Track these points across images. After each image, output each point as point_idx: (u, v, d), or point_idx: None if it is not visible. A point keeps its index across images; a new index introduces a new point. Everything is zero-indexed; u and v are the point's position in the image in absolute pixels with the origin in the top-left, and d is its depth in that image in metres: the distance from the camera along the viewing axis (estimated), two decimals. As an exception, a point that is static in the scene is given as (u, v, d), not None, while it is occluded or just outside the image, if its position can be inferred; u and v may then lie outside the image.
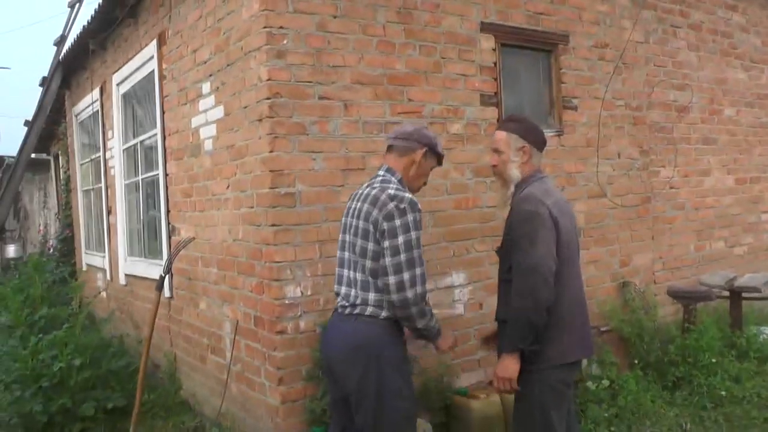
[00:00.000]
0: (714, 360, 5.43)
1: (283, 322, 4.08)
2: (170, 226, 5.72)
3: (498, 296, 3.42)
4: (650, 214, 6.24)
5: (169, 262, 5.01)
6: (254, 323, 4.35)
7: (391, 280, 3.00)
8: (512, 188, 3.34)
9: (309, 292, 4.17)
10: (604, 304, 5.71)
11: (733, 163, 7.17)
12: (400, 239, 3.01)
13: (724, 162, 7.08)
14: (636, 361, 5.49)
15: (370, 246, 3.07)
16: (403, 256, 3.00)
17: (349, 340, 3.09)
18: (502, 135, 3.37)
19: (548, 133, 5.40)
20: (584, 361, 4.95)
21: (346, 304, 3.17)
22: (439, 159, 3.40)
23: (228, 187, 4.63)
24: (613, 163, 5.91)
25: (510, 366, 3.16)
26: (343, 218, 3.31)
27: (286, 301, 4.09)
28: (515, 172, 3.32)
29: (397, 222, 3.02)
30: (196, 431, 5.07)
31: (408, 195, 3.10)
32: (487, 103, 5.05)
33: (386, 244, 3.02)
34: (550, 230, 3.15)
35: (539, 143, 3.39)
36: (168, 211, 5.76)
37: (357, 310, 3.10)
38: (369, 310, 3.08)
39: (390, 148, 3.32)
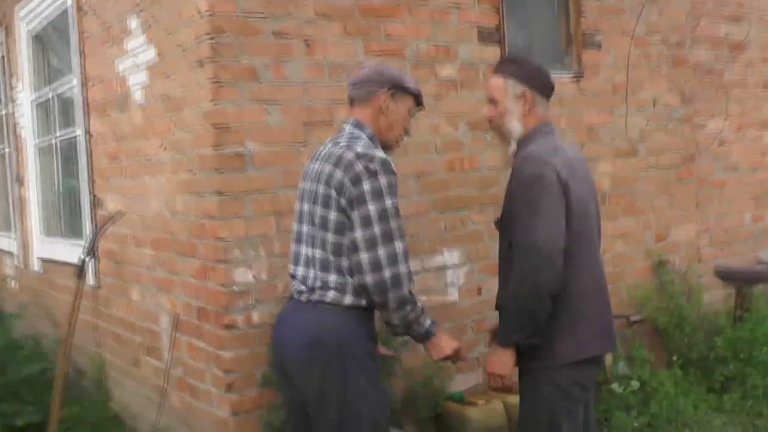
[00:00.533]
0: (773, 356, 5.58)
1: (231, 314, 4.18)
2: (94, 197, 5.80)
3: (499, 279, 3.50)
4: (694, 176, 6.36)
5: (93, 242, 5.10)
6: (197, 316, 4.46)
7: (364, 257, 3.05)
8: (514, 145, 3.39)
9: (264, 277, 4.26)
10: (635, 288, 5.84)
11: (801, 112, 7.29)
12: (372, 207, 3.07)
13: (790, 111, 7.19)
14: (675, 358, 5.65)
15: (332, 215, 3.13)
16: (377, 228, 3.06)
17: (307, 334, 3.16)
18: (497, 81, 3.43)
19: (564, 77, 5.50)
20: (608, 359, 5.09)
21: (304, 288, 3.25)
22: (416, 98, 3.42)
23: (163, 147, 4.71)
24: (647, 114, 6.01)
25: (503, 360, 3.26)
26: (301, 183, 3.39)
27: (235, 288, 4.19)
28: (516, 125, 3.37)
29: (367, 186, 3.07)
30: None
31: (380, 154, 3.16)
32: (486, 40, 5.13)
33: (355, 214, 3.07)
34: (558, 197, 3.18)
35: (544, 88, 3.45)
36: (91, 179, 5.83)
37: (316, 296, 3.19)
38: (330, 295, 3.16)
39: (351, 100, 3.38)
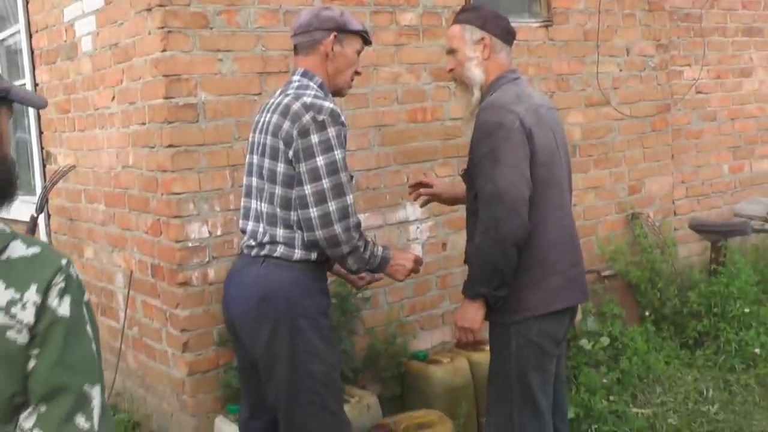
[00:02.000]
0: (747, 310, 5.76)
1: (186, 270, 4.26)
2: (44, 151, 5.84)
3: (467, 232, 3.61)
4: (669, 126, 6.47)
5: (43, 198, 5.16)
6: (152, 274, 4.54)
7: (314, 212, 3.14)
8: (477, 93, 3.49)
9: (219, 232, 4.34)
10: (607, 242, 5.97)
11: (784, 60, 7.40)
12: (321, 160, 3.14)
13: (771, 59, 7.30)
14: (647, 314, 5.80)
15: (281, 168, 3.21)
16: (326, 182, 3.14)
17: (255, 289, 3.25)
18: (454, 29, 3.54)
19: (532, 24, 5.57)
20: (578, 314, 5.22)
21: (253, 243, 3.33)
22: (363, 38, 3.48)
23: (113, 98, 4.75)
24: (620, 62, 6.10)
25: (471, 314, 3.36)
26: (251, 135, 3.47)
27: (190, 244, 4.26)
28: (476, 72, 3.48)
29: (315, 138, 3.15)
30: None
31: (328, 104, 3.22)
32: (450, -16, 5.18)
33: (303, 167, 3.15)
34: (520, 145, 3.28)
35: (505, 33, 3.54)
36: (40, 133, 5.87)
37: (265, 251, 3.27)
38: (279, 249, 3.25)
39: (295, 48, 3.45)
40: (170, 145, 4.22)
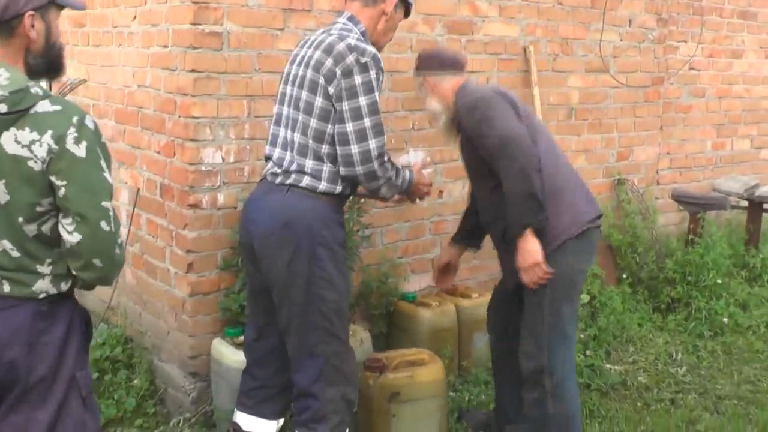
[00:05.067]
0: (719, 281, 5.98)
1: (197, 193, 4.35)
2: (52, 64, 5.84)
3: (470, 209, 4.26)
4: (661, 98, 6.63)
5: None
6: (160, 193, 4.62)
7: (355, 149, 3.30)
8: (442, 118, 3.99)
9: (231, 159, 4.43)
10: (593, 204, 6.12)
11: (774, 46, 7.57)
12: (363, 100, 3.30)
13: (762, 43, 7.48)
14: (625, 276, 5.99)
15: (318, 102, 3.33)
16: (368, 121, 3.31)
17: (278, 215, 3.38)
18: (413, 80, 4.12)
19: (545, -15, 5.67)
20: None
21: (278, 171, 3.46)
22: (407, 10, 3.72)
23: (135, 18, 4.78)
24: (622, 32, 6.23)
25: (528, 248, 3.63)
26: (287, 66, 3.57)
27: (203, 168, 4.34)
28: (433, 104, 3.97)
29: (358, 79, 3.29)
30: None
31: (371, 48, 3.38)
32: (467, -58, 5.26)
33: (345, 106, 3.30)
34: (501, 102, 3.79)
35: (441, 67, 3.97)
36: (50, 45, 5.86)
37: (290, 180, 3.40)
38: (305, 180, 3.38)
39: None
40: (193, 70, 4.27)
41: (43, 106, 2.41)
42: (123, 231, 4.93)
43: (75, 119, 2.43)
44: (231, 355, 4.14)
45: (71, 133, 2.41)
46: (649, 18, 6.39)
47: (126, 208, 4.97)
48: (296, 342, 3.47)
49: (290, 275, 3.39)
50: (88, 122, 2.46)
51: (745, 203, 6.65)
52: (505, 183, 3.63)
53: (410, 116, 5.12)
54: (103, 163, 2.49)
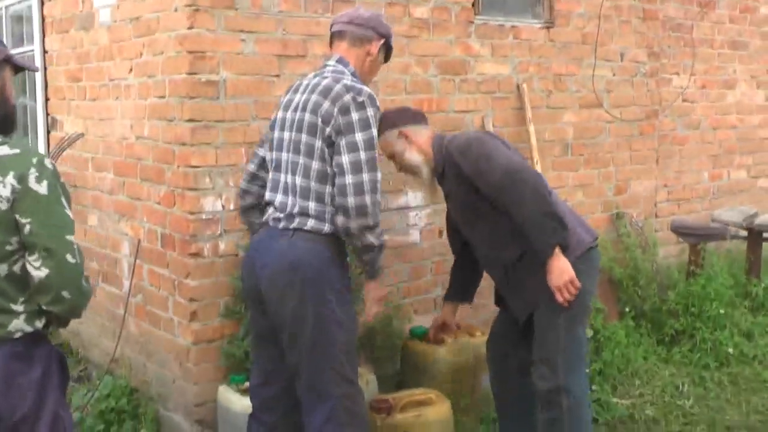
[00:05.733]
0: (722, 311, 5.98)
1: (198, 241, 4.41)
2: (49, 117, 5.93)
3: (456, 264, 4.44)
4: (656, 131, 6.71)
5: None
6: (161, 243, 4.67)
7: (349, 179, 3.37)
8: (425, 169, 4.03)
9: (231, 206, 4.48)
10: (593, 239, 6.18)
11: (765, 75, 7.67)
12: (359, 136, 3.40)
13: (754, 73, 7.59)
14: (627, 309, 6.01)
15: (318, 143, 3.43)
16: (363, 155, 3.39)
17: (285, 258, 3.45)
18: (381, 142, 3.94)
19: (535, 25, 5.78)
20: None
21: (281, 215, 3.53)
22: (387, 54, 3.87)
23: (131, 70, 4.88)
24: (614, 66, 6.32)
25: (559, 267, 3.70)
26: (279, 113, 3.67)
27: (203, 216, 4.41)
28: (413, 156, 4.02)
29: (355, 116, 3.41)
30: (80, 381, 5.41)
31: (366, 88, 3.49)
32: (459, -17, 5.37)
33: (342, 141, 3.40)
34: (493, 140, 3.95)
35: (413, 118, 4.09)
36: (47, 99, 5.96)
37: (295, 223, 3.47)
38: (310, 223, 3.45)
39: (340, 34, 3.69)
40: (190, 119, 4.36)
41: (3, 150, 2.63)
42: (125, 283, 5.01)
43: (35, 160, 2.63)
44: (238, 402, 4.17)
45: (32, 173, 2.60)
46: (640, 52, 6.50)
47: (128, 260, 5.03)
48: (307, 384, 3.52)
49: (299, 318, 3.45)
50: (47, 163, 2.66)
51: (745, 233, 6.70)
52: (518, 211, 3.71)
53: (407, 158, 5.18)
54: (64, 201, 2.68)
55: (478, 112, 5.51)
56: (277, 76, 4.59)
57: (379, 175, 3.45)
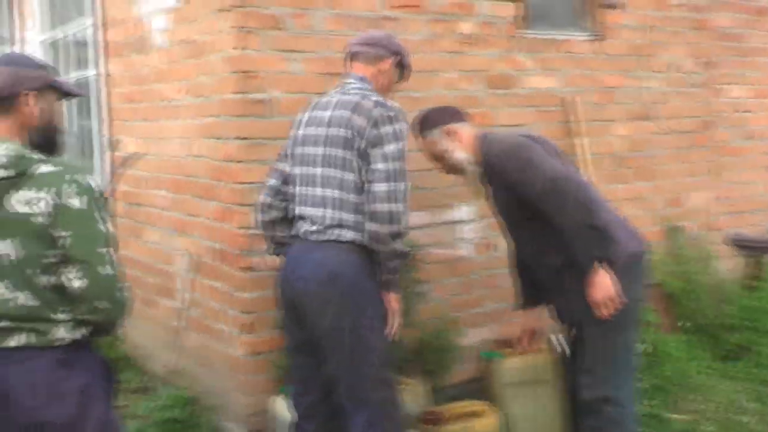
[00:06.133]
0: (784, 325, 5.94)
1: (251, 256, 4.55)
2: (111, 138, 6.15)
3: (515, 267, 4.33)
4: (710, 142, 6.69)
5: (113, 181, 5.47)
6: (216, 258, 4.83)
7: (382, 187, 3.51)
8: (472, 168, 4.05)
9: (283, 221, 4.61)
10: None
11: (822, 83, 7.59)
12: (391, 147, 3.56)
13: (810, 81, 7.50)
14: (684, 324, 6.00)
15: (351, 156, 3.59)
16: (392, 165, 3.54)
17: (323, 270, 3.60)
18: (424, 143, 4.15)
19: (582, 38, 5.83)
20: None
21: (315, 228, 3.67)
22: (403, 73, 4.01)
23: (184, 91, 5.06)
24: (665, 78, 6.33)
25: (601, 282, 3.71)
26: (301, 130, 3.85)
27: (255, 231, 4.54)
28: (459, 155, 4.05)
29: (386, 129, 3.57)
30: (141, 392, 5.58)
31: (393, 103, 3.68)
32: (505, -3, 5.46)
33: (376, 151, 3.55)
34: (534, 146, 3.91)
35: (452, 116, 4.14)
36: (106, 121, 6.19)
37: (332, 235, 3.62)
38: (347, 234, 3.60)
39: (355, 55, 3.90)
40: (240, 137, 4.52)
41: (42, 168, 2.76)
42: (182, 296, 5.17)
43: (72, 176, 2.76)
44: (288, 412, 4.28)
45: (69, 189, 2.73)
46: (692, 62, 6.50)
47: (184, 274, 5.19)
48: (347, 391, 3.65)
49: (338, 329, 3.59)
50: (84, 179, 2.79)
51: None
52: (560, 221, 3.72)
53: (456, 172, 5.27)
54: (98, 215, 2.78)
55: (525, 125, 5.55)
56: (323, 93, 4.70)
57: (404, 185, 3.57)
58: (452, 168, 4.13)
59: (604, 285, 3.71)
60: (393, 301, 3.75)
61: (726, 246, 6.62)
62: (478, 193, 4.25)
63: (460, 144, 4.04)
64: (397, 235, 3.54)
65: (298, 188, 3.81)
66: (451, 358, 5.11)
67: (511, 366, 4.73)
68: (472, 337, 5.38)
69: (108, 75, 6.15)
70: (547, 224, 3.80)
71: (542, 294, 4.27)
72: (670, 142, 6.40)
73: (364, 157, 3.57)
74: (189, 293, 5.12)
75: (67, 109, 7.23)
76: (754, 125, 7.08)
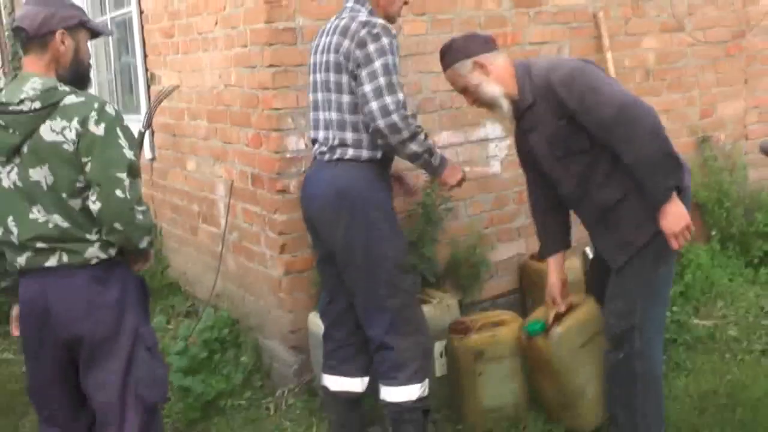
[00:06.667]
0: (814, 232, 6.06)
1: (284, 178, 4.77)
2: (149, 73, 6.39)
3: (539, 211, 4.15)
4: (743, 52, 6.72)
5: (149, 114, 5.71)
6: (251, 182, 5.07)
7: (374, 105, 3.67)
8: (504, 103, 3.77)
9: (313, 145, 4.83)
10: (678, 163, 6.29)
11: None
12: (378, 63, 3.70)
13: None
14: (714, 233, 6.13)
15: (345, 79, 3.79)
16: (382, 80, 3.68)
17: (331, 187, 3.83)
18: (450, 77, 3.87)
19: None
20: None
21: (325, 149, 3.91)
22: None
23: (216, 23, 5.25)
24: (696, -13, 6.36)
25: (675, 212, 3.50)
26: (311, 57, 4.04)
27: (288, 155, 4.76)
28: (492, 88, 3.75)
29: (371, 47, 3.71)
30: (188, 316, 5.90)
31: (380, 20, 3.80)
32: None
33: (363, 71, 3.71)
34: (598, 70, 3.72)
35: (484, 46, 3.84)
36: (145, 56, 6.41)
37: (336, 155, 3.84)
38: (350, 152, 3.82)
39: None
40: (271, 65, 4.70)
41: (70, 99, 2.99)
42: (222, 222, 5.44)
43: (96, 105, 3.00)
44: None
45: (92, 117, 2.96)
46: (724, -28, 6.52)
47: (223, 200, 5.45)
48: (364, 300, 3.90)
49: (349, 240, 3.82)
50: (108, 108, 3.03)
51: (842, 151, 6.68)
52: (632, 150, 3.50)
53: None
54: (123, 141, 3.02)
55: (555, 43, 5.67)
56: (350, 19, 4.87)
57: (401, 96, 3.69)
58: (481, 102, 3.84)
59: (681, 214, 3.53)
60: (445, 177, 3.93)
61: (760, 155, 6.69)
62: (508, 129, 4.04)
63: (490, 77, 3.75)
64: (406, 140, 3.68)
65: (311, 113, 4.04)
66: (483, 273, 5.34)
67: (568, 330, 4.12)
68: (504, 252, 5.59)
69: (144, 12, 6.35)
70: (604, 156, 3.66)
71: (567, 240, 4.16)
72: (702, 53, 6.45)
73: (356, 78, 3.73)
74: (228, 218, 5.37)
75: (110, 47, 7.48)
76: (788, 33, 7.08)
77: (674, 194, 3.52)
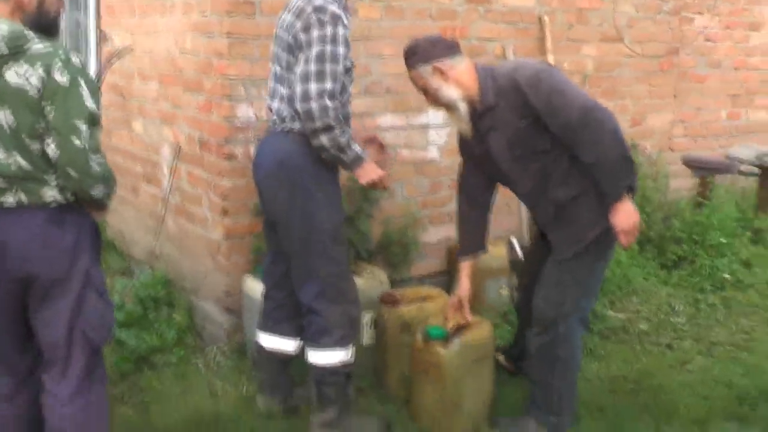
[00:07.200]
0: (724, 240, 6.46)
1: (232, 145, 4.95)
2: (100, 32, 6.49)
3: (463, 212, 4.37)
4: (675, 68, 7.10)
5: (99, 74, 5.83)
6: (199, 147, 5.23)
7: (298, 88, 3.83)
8: (461, 105, 3.93)
9: (263, 114, 5.00)
10: (605, 167, 6.62)
11: (792, 18, 7.98)
12: (314, 50, 3.82)
13: (780, 15, 7.88)
14: (634, 236, 6.47)
15: (292, 59, 3.95)
16: (312, 66, 3.81)
17: (275, 157, 4.01)
18: (412, 75, 4.01)
19: (559, -42, 6.18)
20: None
21: (276, 119, 4.09)
22: None
23: (176, -12, 5.40)
24: (637, 3, 6.70)
25: (626, 211, 3.79)
26: (276, 30, 4.18)
27: (237, 123, 4.94)
28: (450, 92, 3.91)
29: (314, 33, 3.84)
30: (124, 275, 6.02)
31: (334, 8, 3.89)
32: None
33: (301, 55, 3.87)
34: (561, 73, 3.94)
35: (447, 51, 3.96)
36: (98, 15, 6.52)
37: (286, 126, 4.01)
38: (297, 125, 3.96)
39: None
40: (228, 34, 4.87)
41: (36, 46, 3.07)
42: (165, 183, 5.59)
43: (61, 54, 3.07)
44: (260, 290, 4.72)
45: (57, 65, 3.04)
46: (664, -10, 6.88)
47: (168, 163, 5.60)
48: (298, 266, 4.10)
49: (288, 209, 4.00)
50: (73, 58, 3.11)
51: (757, 171, 7.07)
52: (593, 152, 3.72)
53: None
54: (83, 92, 3.07)
55: (501, 41, 5.95)
56: (309, -3, 5.06)
57: (329, 85, 3.78)
58: (439, 104, 4.01)
59: (632, 212, 3.79)
60: (357, 175, 4.02)
61: (683, 168, 7.08)
62: (465, 131, 4.05)
63: (451, 81, 3.89)
64: (318, 131, 3.81)
65: (270, 82, 4.20)
66: (413, 253, 5.60)
67: (467, 344, 4.31)
68: (434, 234, 5.86)
69: (102, -31, 6.46)
70: (563, 156, 3.86)
71: (483, 243, 4.37)
72: (637, 65, 6.81)
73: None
74: (172, 180, 5.53)
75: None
76: (721, 54, 7.49)
77: (625, 196, 3.78)
